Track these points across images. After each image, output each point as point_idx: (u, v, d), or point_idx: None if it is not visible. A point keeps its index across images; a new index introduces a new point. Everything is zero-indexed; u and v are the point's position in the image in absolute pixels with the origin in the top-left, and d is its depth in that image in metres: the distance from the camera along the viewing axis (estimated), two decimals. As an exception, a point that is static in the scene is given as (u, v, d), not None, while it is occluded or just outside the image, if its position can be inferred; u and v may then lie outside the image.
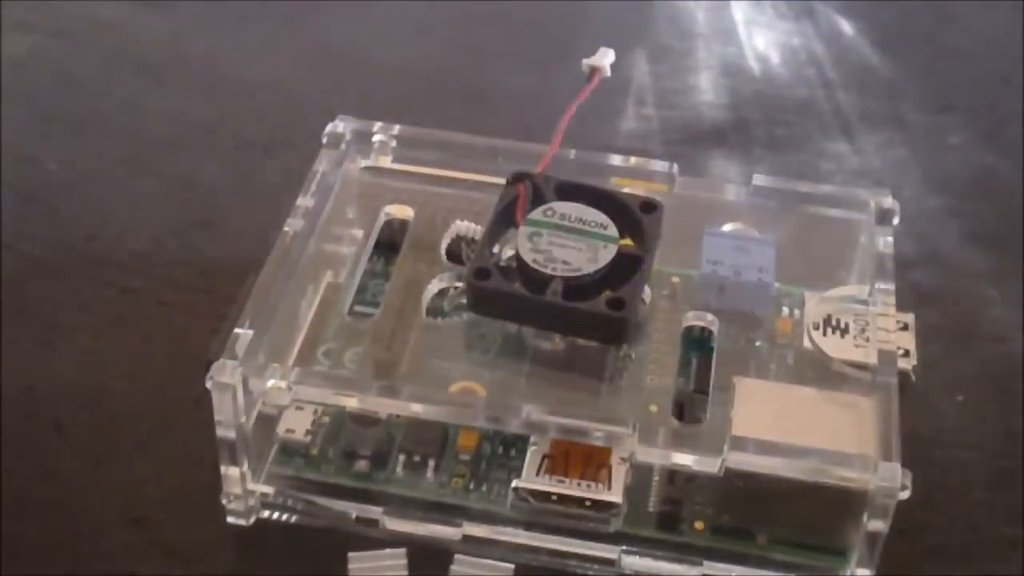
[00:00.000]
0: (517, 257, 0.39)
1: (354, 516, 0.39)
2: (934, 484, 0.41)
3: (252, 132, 0.54)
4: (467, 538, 0.38)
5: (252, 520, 0.39)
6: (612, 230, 0.40)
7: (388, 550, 0.38)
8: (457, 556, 0.38)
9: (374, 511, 0.39)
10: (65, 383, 0.44)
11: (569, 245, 0.39)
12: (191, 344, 0.41)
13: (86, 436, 0.42)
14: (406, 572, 0.38)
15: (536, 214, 0.40)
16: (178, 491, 0.40)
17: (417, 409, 0.37)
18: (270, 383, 0.36)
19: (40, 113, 0.55)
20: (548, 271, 0.39)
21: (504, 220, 0.41)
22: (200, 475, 0.39)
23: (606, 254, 0.39)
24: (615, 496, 0.37)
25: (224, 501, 0.39)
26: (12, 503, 0.40)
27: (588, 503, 0.37)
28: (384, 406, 0.37)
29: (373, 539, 0.39)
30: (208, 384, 0.36)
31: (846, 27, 0.62)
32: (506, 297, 0.39)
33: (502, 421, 0.36)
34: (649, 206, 0.41)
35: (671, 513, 0.38)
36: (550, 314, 0.39)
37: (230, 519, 0.39)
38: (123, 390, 0.44)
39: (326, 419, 0.40)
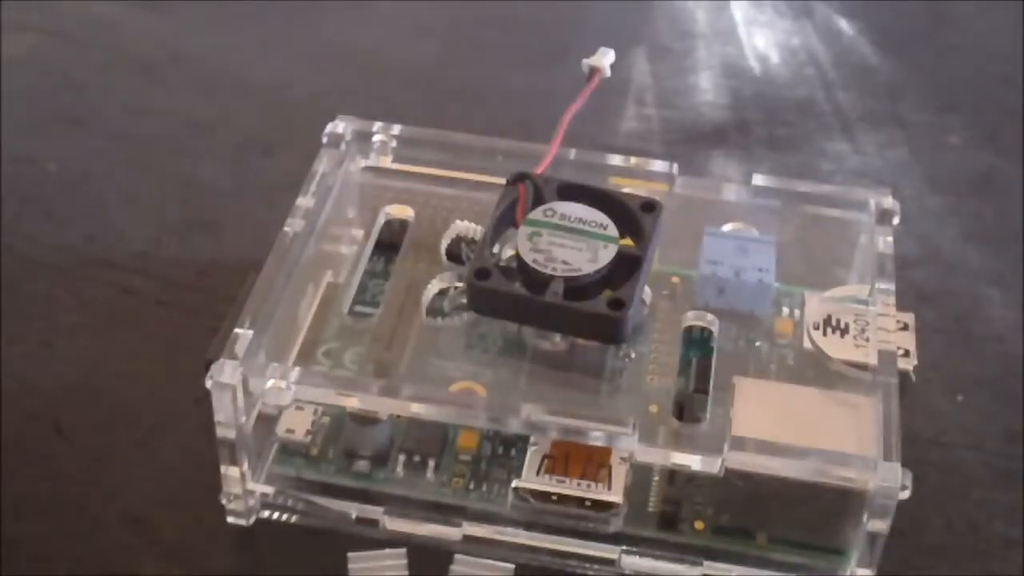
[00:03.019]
0: (517, 257, 0.39)
1: (354, 516, 0.39)
2: (934, 484, 0.41)
3: (252, 132, 0.54)
4: (467, 538, 0.38)
5: (252, 520, 0.39)
6: (612, 230, 0.40)
7: (388, 550, 0.38)
8: (457, 556, 0.38)
9: (374, 511, 0.39)
10: (65, 383, 0.44)
11: (569, 245, 0.39)
12: (191, 344, 0.41)
13: (86, 436, 0.42)
14: (406, 572, 0.38)
15: (536, 214, 0.40)
16: (178, 491, 0.40)
17: (417, 409, 0.37)
18: (270, 383, 0.36)
19: (40, 113, 0.55)
20: (548, 271, 0.39)
21: (504, 220, 0.41)
22: (200, 475, 0.39)
23: (606, 254, 0.39)
24: (615, 496, 0.37)
25: (224, 501, 0.39)
26: (12, 503, 0.40)
27: (588, 503, 0.37)
28: (384, 406, 0.37)
29: (373, 539, 0.39)
30: (208, 384, 0.36)
31: (846, 27, 0.62)
32: (506, 297, 0.39)
33: (502, 421, 0.36)
34: (649, 206, 0.41)
35: (671, 513, 0.38)
36: (550, 314, 0.39)
37: (230, 519, 0.39)
38: (123, 390, 0.44)
39: (326, 419, 0.40)
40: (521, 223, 0.40)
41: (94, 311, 0.46)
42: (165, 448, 0.42)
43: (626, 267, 0.39)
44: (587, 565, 0.38)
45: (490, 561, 0.38)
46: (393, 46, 0.60)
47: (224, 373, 0.36)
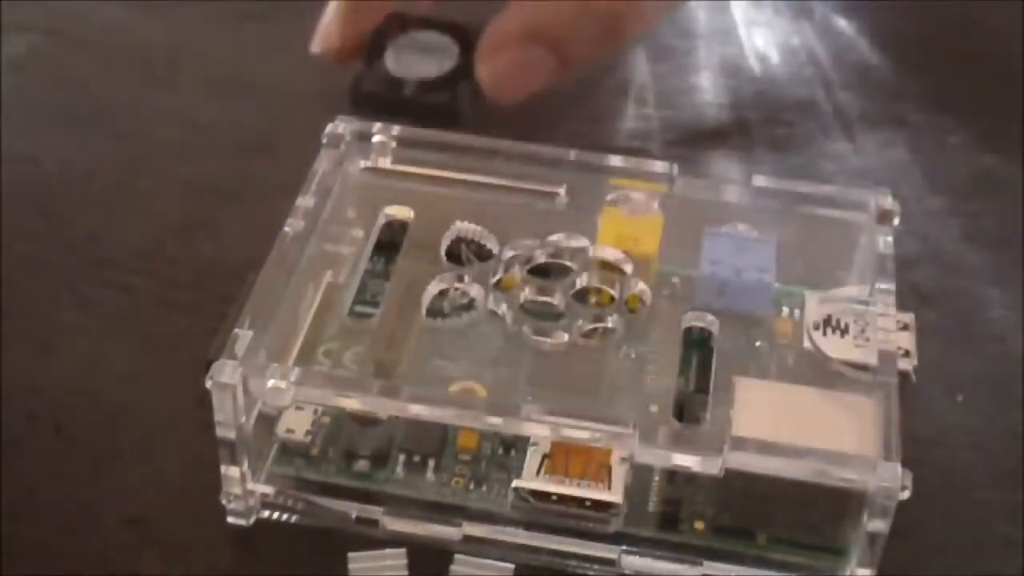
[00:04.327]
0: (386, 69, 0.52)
1: (354, 516, 0.39)
2: (934, 484, 0.41)
3: (252, 132, 0.54)
4: (467, 538, 0.38)
5: (252, 520, 0.39)
6: (454, 49, 0.53)
7: (388, 550, 0.38)
8: (457, 556, 0.38)
9: (374, 511, 0.39)
10: (65, 383, 0.44)
11: (423, 59, 0.52)
12: (191, 344, 0.42)
13: (86, 436, 0.42)
14: (406, 572, 0.38)
15: (401, 40, 0.53)
16: (178, 491, 0.40)
17: (417, 409, 0.37)
18: (270, 383, 0.36)
19: (40, 113, 0.55)
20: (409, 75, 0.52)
21: (377, 48, 0.53)
22: (200, 475, 0.39)
23: (449, 63, 0.52)
24: (615, 496, 0.37)
25: (224, 501, 0.39)
26: (12, 503, 0.40)
27: (588, 503, 0.37)
28: (384, 406, 0.37)
29: (373, 539, 0.39)
30: (208, 384, 0.36)
31: (846, 27, 0.62)
32: (377, 96, 0.52)
33: (502, 421, 0.36)
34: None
35: (671, 513, 0.38)
36: (410, 107, 0.51)
37: (230, 519, 0.39)
38: (123, 390, 0.44)
39: (326, 419, 0.40)
40: (390, 44, 0.53)
41: (94, 311, 0.46)
42: (165, 448, 0.42)
43: (463, 73, 0.51)
44: (587, 565, 0.38)
45: (490, 561, 0.38)
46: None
47: (224, 373, 0.36)
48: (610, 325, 0.41)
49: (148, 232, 0.49)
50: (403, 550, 0.38)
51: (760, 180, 0.43)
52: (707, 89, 0.58)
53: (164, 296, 0.47)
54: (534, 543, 0.38)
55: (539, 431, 0.37)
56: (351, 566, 0.38)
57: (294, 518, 0.39)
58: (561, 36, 0.48)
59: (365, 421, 0.39)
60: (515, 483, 0.38)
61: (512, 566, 0.38)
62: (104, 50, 0.59)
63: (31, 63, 0.58)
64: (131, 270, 0.48)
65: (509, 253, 0.42)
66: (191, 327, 0.45)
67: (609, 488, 0.37)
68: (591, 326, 0.41)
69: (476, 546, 0.38)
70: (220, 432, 0.37)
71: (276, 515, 0.39)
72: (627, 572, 0.38)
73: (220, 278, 0.46)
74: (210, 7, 0.61)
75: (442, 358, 0.40)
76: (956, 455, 0.43)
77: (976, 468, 0.42)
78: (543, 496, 0.37)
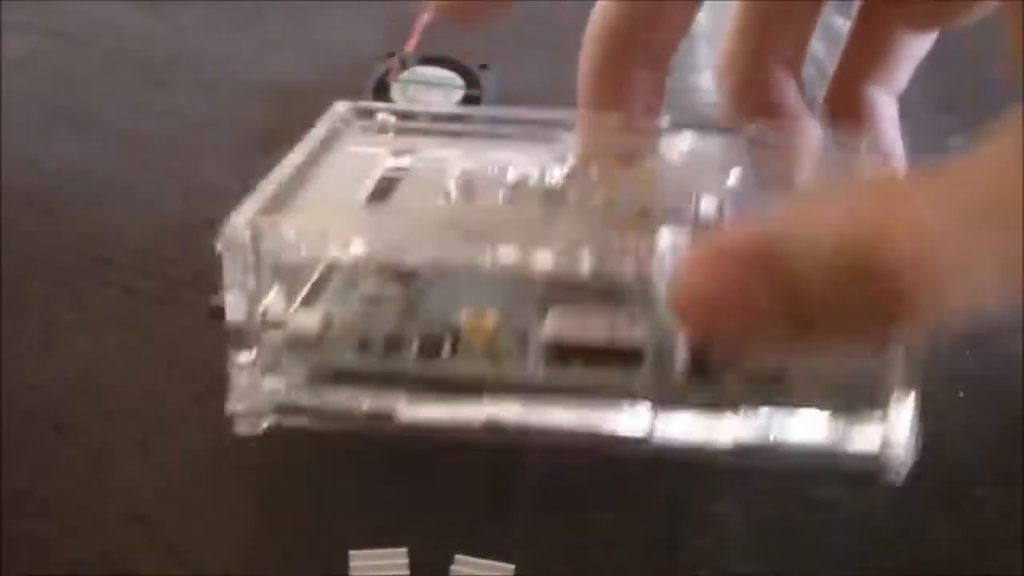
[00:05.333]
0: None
1: (367, 408, 0.37)
2: (934, 484, 0.41)
3: (252, 132, 0.54)
4: (489, 421, 0.36)
5: (262, 428, 0.37)
6: (458, 82, 0.56)
7: (388, 550, 0.38)
8: (457, 556, 0.38)
9: (390, 399, 0.37)
10: (65, 383, 0.44)
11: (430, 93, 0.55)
12: (191, 344, 0.42)
13: (86, 436, 0.42)
14: (406, 572, 0.38)
15: (404, 75, 0.56)
16: (178, 491, 0.40)
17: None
18: (285, 233, 0.35)
19: (40, 113, 0.55)
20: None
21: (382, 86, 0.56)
22: (200, 474, 0.39)
23: (455, 96, 0.55)
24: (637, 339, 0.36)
25: (232, 406, 0.36)
26: (12, 503, 0.40)
27: (613, 357, 0.36)
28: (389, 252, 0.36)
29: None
30: (218, 247, 0.35)
31: (846, 27, 0.62)
32: None
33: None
34: (483, 66, 0.56)
35: (701, 364, 0.36)
36: None
37: (238, 428, 0.37)
38: (123, 390, 0.44)
39: (338, 308, 0.37)
40: (394, 82, 0.56)
41: (94, 311, 0.46)
42: (165, 447, 0.42)
43: (470, 104, 0.55)
44: (616, 434, 0.36)
45: (490, 561, 0.38)
46: (393, 46, 0.60)
47: (235, 228, 0.35)
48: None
49: (148, 232, 0.50)
50: (404, 550, 0.38)
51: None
52: (707, 89, 0.58)
53: (164, 296, 0.47)
54: (557, 420, 0.36)
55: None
56: (351, 564, 0.38)
57: (305, 420, 0.37)
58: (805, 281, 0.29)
59: (377, 302, 0.37)
60: (541, 335, 0.36)
61: (512, 566, 0.38)
62: (104, 50, 0.59)
63: (31, 63, 0.58)
64: (131, 270, 0.48)
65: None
66: (191, 327, 0.45)
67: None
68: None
69: (498, 434, 0.36)
70: (230, 310, 0.35)
71: (286, 421, 0.37)
72: (657, 434, 0.36)
73: (220, 278, 0.46)
74: (209, 7, 0.61)
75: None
76: (956, 455, 0.43)
77: (976, 466, 0.42)
78: (566, 355, 0.36)
